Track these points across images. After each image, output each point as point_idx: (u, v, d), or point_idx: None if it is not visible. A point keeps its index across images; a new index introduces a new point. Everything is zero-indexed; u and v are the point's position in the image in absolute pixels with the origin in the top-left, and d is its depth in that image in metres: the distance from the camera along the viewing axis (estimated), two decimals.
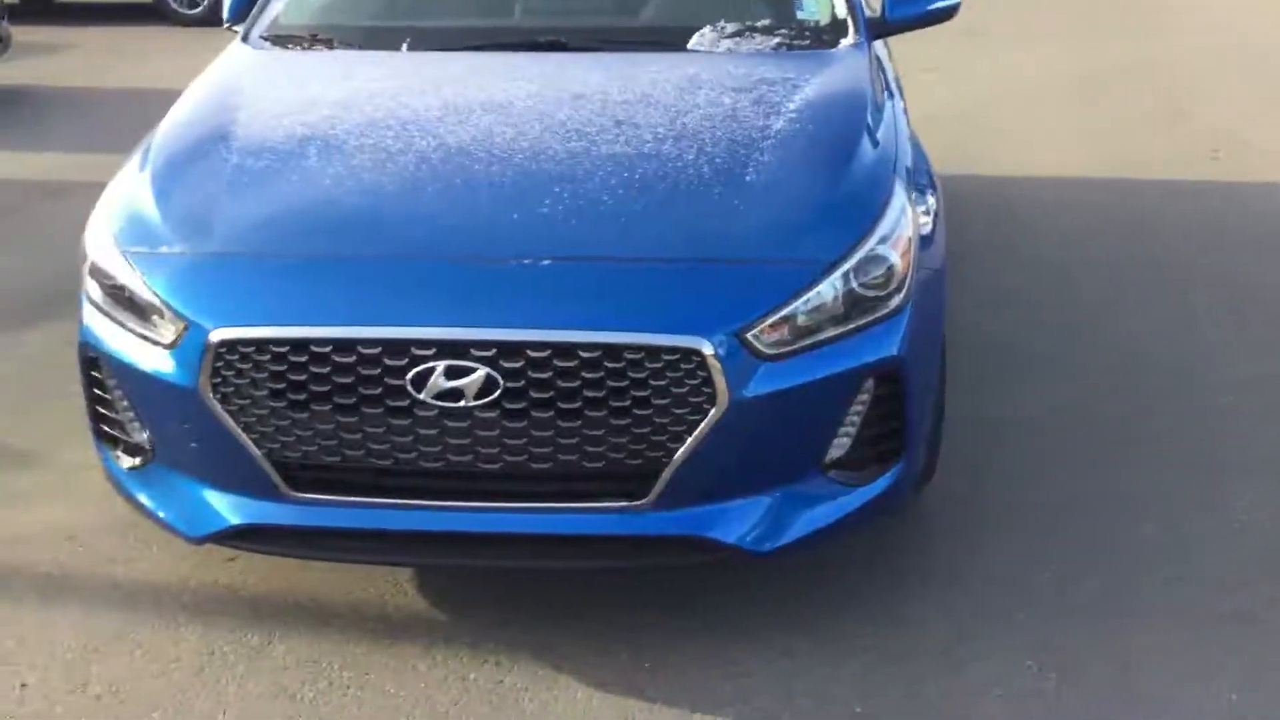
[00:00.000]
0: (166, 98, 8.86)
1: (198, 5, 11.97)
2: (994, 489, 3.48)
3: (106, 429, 2.99)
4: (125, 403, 2.88)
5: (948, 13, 3.91)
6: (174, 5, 11.96)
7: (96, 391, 2.96)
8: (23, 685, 2.79)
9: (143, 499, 2.92)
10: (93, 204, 6.02)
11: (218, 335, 2.62)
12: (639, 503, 2.66)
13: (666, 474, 2.62)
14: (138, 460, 2.92)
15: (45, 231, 5.80)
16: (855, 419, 2.76)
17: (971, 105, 7.78)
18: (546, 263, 2.66)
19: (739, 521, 2.71)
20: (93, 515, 3.43)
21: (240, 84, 3.56)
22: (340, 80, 3.51)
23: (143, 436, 2.89)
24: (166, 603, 3.06)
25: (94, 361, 2.92)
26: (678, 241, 2.74)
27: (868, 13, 3.81)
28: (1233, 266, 5.13)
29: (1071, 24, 10.13)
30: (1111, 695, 2.71)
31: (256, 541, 2.81)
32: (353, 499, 2.72)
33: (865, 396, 2.75)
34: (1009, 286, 4.90)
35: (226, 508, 2.78)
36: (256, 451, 2.67)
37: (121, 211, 2.96)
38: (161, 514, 2.88)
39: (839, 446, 2.77)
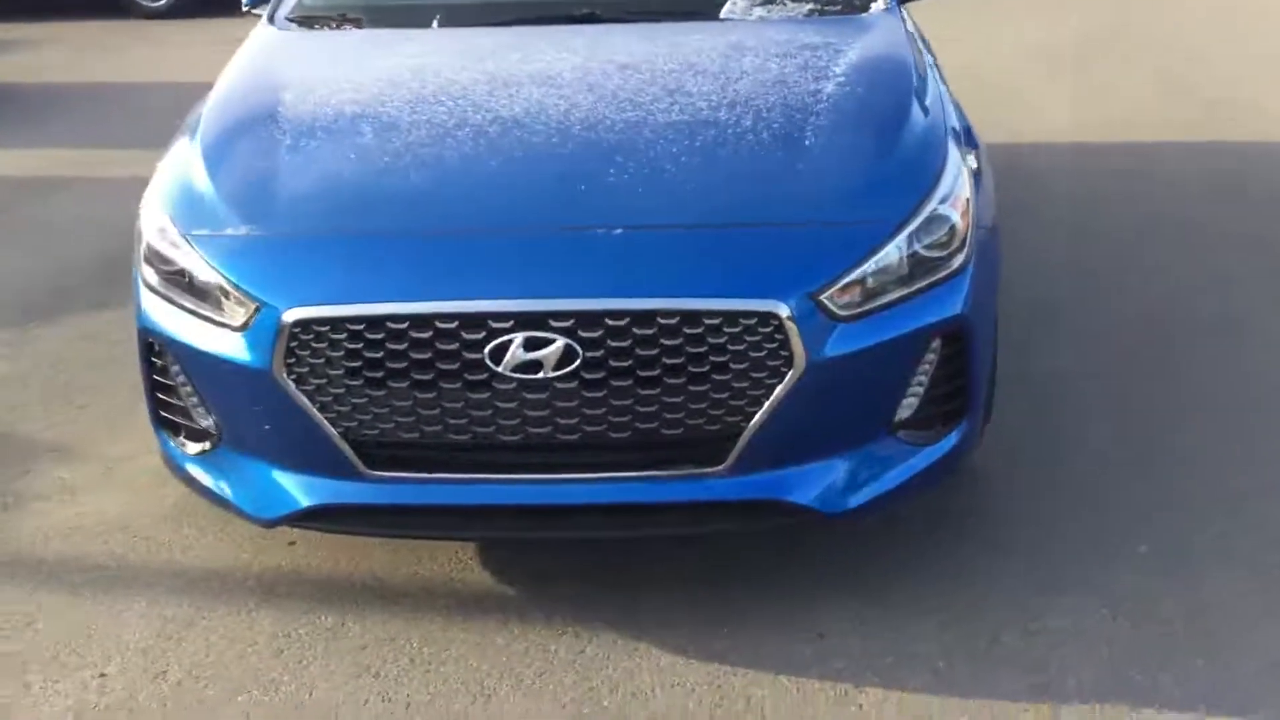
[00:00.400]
0: (145, 91, 8.79)
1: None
2: (1040, 445, 3.52)
3: (167, 415, 2.97)
4: (189, 388, 2.86)
5: None
6: None
7: (157, 378, 2.94)
8: (101, 675, 2.77)
9: (209, 484, 2.90)
10: (83, 199, 6.10)
11: (292, 315, 2.61)
12: (716, 468, 2.68)
13: (744, 439, 2.64)
14: (203, 446, 2.91)
15: (39, 228, 5.73)
16: (923, 379, 2.79)
17: (981, 70, 7.74)
18: (619, 231, 2.66)
19: (814, 484, 2.73)
20: (143, 505, 3.41)
21: (279, 65, 3.55)
22: (381, 58, 3.50)
23: (208, 421, 2.87)
24: (233, 588, 3.05)
25: (154, 348, 2.90)
26: (746, 206, 2.76)
27: None
28: (1262, 226, 5.19)
29: None
30: (1185, 637, 2.76)
31: (331, 522, 2.81)
32: (429, 475, 2.72)
33: (932, 356, 2.78)
34: (1045, 252, 4.89)
35: (299, 489, 2.77)
36: (332, 431, 2.67)
37: (178, 196, 2.94)
38: (230, 498, 2.87)
39: (907, 407, 2.80)
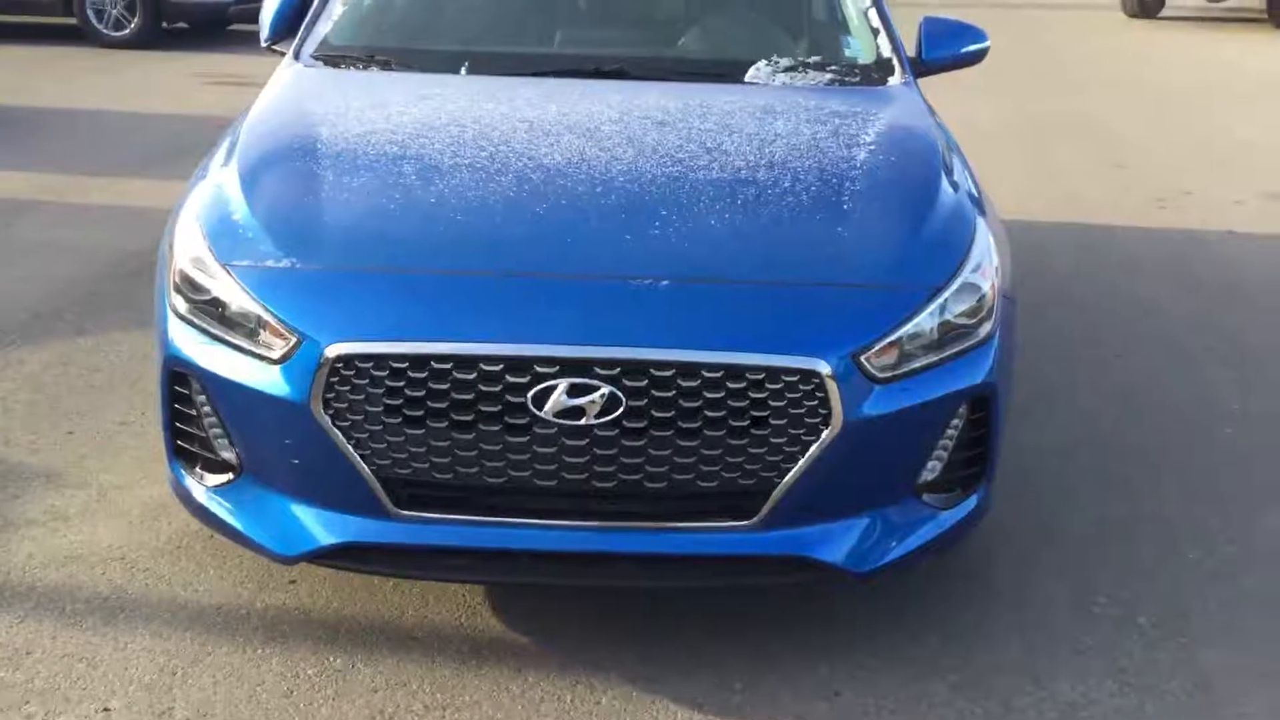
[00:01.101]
0: (110, 118, 8.73)
1: (124, 28, 11.77)
2: (1034, 514, 3.58)
3: (185, 446, 2.92)
4: (214, 419, 2.82)
5: (979, 55, 4.07)
6: (99, 27, 11.75)
7: (178, 408, 2.89)
8: (105, 710, 2.70)
9: (227, 518, 2.85)
10: (54, 222, 6.03)
11: (334, 350, 2.59)
12: (747, 522, 2.70)
13: (777, 494, 2.67)
14: (223, 478, 2.87)
15: (9, 251, 5.63)
16: (947, 443, 2.84)
17: None
18: (666, 283, 2.69)
19: (840, 542, 2.76)
20: (139, 536, 3.34)
21: (312, 101, 3.55)
22: (415, 100, 3.51)
23: (229, 454, 2.83)
24: (237, 625, 2.99)
25: (180, 377, 2.85)
26: (790, 265, 2.81)
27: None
28: (1213, 308, 5.36)
29: (1007, 81, 10.50)
30: (1194, 710, 2.81)
31: (355, 561, 2.77)
32: (460, 517, 2.70)
33: (958, 421, 2.84)
34: None
35: (323, 526, 2.74)
36: (366, 469, 2.64)
37: (216, 225, 2.91)
38: (249, 534, 2.82)
39: (930, 470, 2.85)
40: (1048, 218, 6.63)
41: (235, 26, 12.41)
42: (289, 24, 3.99)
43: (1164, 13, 16.35)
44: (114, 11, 11.72)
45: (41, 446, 3.82)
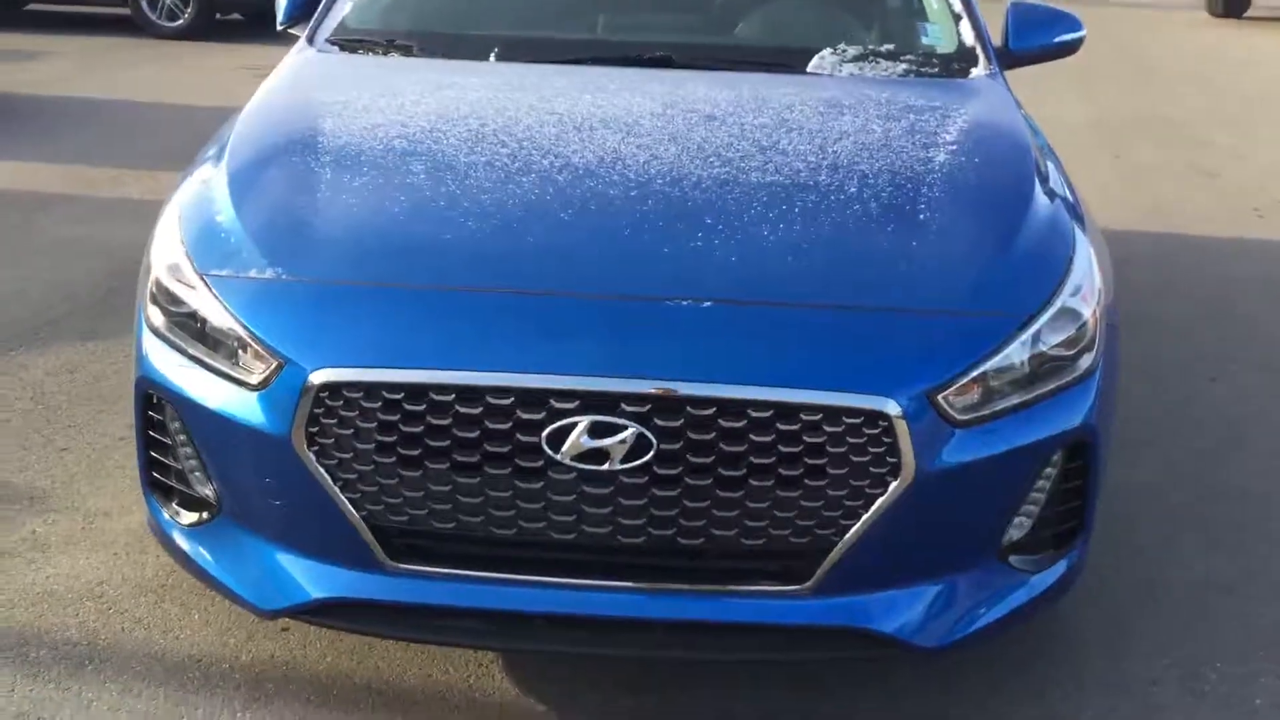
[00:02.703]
0: (154, 109, 8.46)
1: (177, 19, 11.58)
2: (1130, 570, 3.14)
3: (160, 478, 2.57)
4: (189, 449, 2.47)
5: (1073, 46, 3.63)
6: (152, 17, 11.56)
7: (153, 435, 2.54)
8: None
9: (202, 563, 2.50)
10: (80, 218, 5.71)
11: (320, 377, 2.22)
12: (798, 587, 2.29)
13: (834, 555, 2.26)
14: (199, 516, 2.51)
15: (32, 247, 5.35)
16: (1039, 495, 2.42)
17: None
18: (708, 305, 2.29)
19: (908, 612, 2.35)
20: (120, 569, 3.01)
21: (319, 91, 3.17)
22: (434, 90, 3.12)
23: (207, 490, 2.48)
24: (217, 681, 2.64)
25: (154, 400, 2.50)
26: (854, 287, 2.39)
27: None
28: None
29: (1087, 82, 9.99)
30: None
31: (344, 619, 2.39)
32: (464, 573, 2.31)
33: (1052, 470, 2.41)
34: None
35: (309, 578, 2.37)
36: (354, 514, 2.27)
37: (197, 230, 2.55)
38: (226, 582, 2.46)
39: (1019, 527, 2.43)
40: (1135, 228, 6.14)
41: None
42: (306, 5, 3.62)
43: (1250, 12, 15.65)
44: (168, 2, 11.53)
45: (31, 464, 3.51)
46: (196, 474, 2.48)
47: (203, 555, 2.50)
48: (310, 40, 3.46)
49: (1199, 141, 8.27)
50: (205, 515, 2.50)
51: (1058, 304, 2.41)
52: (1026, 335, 2.35)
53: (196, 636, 2.78)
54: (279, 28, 3.67)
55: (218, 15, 11.85)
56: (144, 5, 11.56)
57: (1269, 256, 5.81)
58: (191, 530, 2.52)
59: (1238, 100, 9.91)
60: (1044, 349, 2.37)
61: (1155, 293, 5.20)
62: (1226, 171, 7.44)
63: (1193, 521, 3.40)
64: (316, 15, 3.52)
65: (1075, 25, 3.63)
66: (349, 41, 3.46)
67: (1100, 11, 15.43)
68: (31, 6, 11.95)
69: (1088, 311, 2.46)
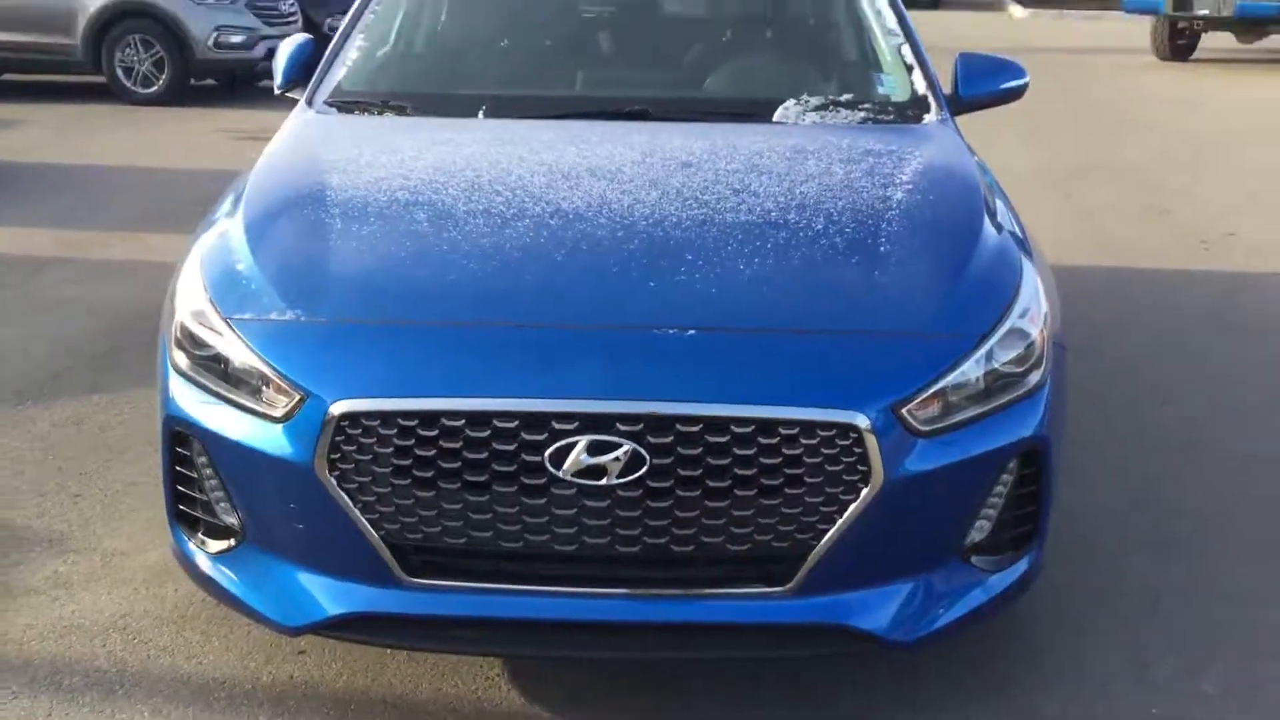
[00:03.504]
0: (134, 174, 8.64)
1: (152, 85, 11.80)
2: (1086, 578, 3.37)
3: (186, 510, 2.77)
4: (215, 481, 2.67)
5: (1018, 92, 3.91)
6: (127, 84, 11.78)
7: (179, 469, 2.74)
8: None
9: (229, 586, 2.69)
10: (74, 278, 5.92)
11: (340, 408, 2.44)
12: (781, 588, 2.51)
13: (813, 558, 2.48)
14: (225, 544, 2.71)
15: (27, 307, 5.53)
16: (997, 500, 2.65)
17: None
18: (692, 333, 2.52)
19: (882, 610, 2.57)
20: (141, 604, 3.19)
21: (323, 149, 3.41)
22: (430, 145, 3.37)
23: (232, 518, 2.68)
24: (241, 700, 2.82)
25: (180, 437, 2.70)
26: (823, 312, 2.64)
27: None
28: (1261, 353, 5.14)
29: (1041, 125, 10.35)
30: None
31: (363, 632, 2.60)
32: (474, 585, 2.52)
33: (1008, 477, 2.65)
34: None
35: (329, 595, 2.57)
36: (373, 534, 2.48)
37: (219, 278, 2.77)
38: (251, 602, 2.65)
39: (979, 530, 2.66)
40: (1089, 262, 6.44)
41: (263, 82, 12.40)
42: (303, 70, 3.87)
43: (1196, 55, 16.17)
44: (142, 69, 11.75)
45: (47, 509, 3.68)
46: (222, 504, 2.68)
47: (228, 579, 2.69)
48: (309, 103, 3.70)
49: (1149, 181, 8.62)
50: (231, 542, 2.69)
51: (1007, 325, 2.66)
52: (980, 353, 2.59)
53: (219, 661, 2.96)
54: (277, 92, 3.90)
55: (192, 80, 12.08)
56: (119, 72, 11.78)
57: (1215, 287, 6.10)
58: (217, 557, 2.71)
59: (1186, 141, 10.29)
60: (996, 366, 2.61)
61: (1108, 324, 5.47)
62: (1176, 209, 7.77)
63: (1145, 537, 3.62)
64: (314, 79, 3.76)
65: (1019, 73, 3.92)
66: (345, 103, 3.71)
67: (1051, 57, 15.90)
68: (6, 76, 12.15)
69: (1035, 332, 2.71)
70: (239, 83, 12.56)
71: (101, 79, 11.75)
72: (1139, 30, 16.83)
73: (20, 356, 4.90)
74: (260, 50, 12.09)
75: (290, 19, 12.76)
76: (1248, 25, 15.65)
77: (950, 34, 18.36)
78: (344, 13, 15.38)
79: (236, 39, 12.04)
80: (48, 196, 7.73)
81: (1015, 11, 24.11)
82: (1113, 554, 3.50)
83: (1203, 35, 16.18)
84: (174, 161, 8.91)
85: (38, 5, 11.66)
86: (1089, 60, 16.21)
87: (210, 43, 11.87)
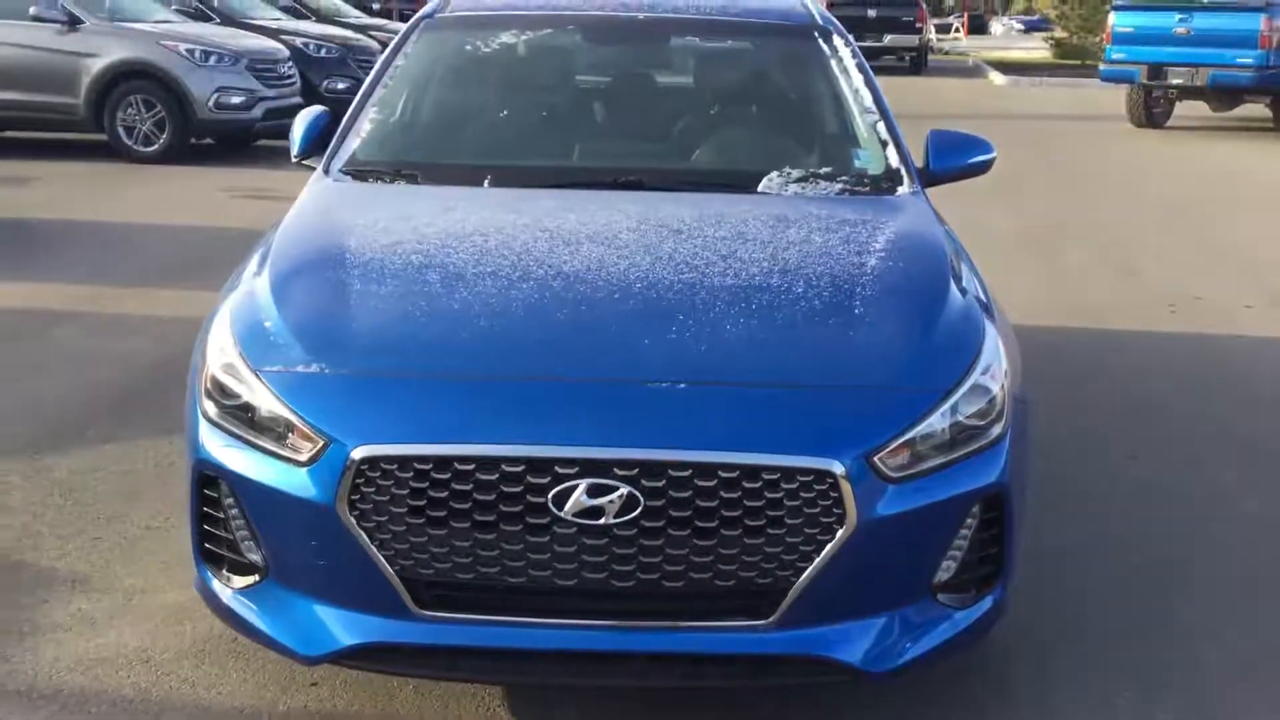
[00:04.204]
0: (142, 231, 8.85)
1: (153, 144, 12.07)
2: (1054, 617, 3.59)
3: (212, 548, 2.99)
4: (241, 521, 2.89)
5: (985, 166, 4.20)
6: (128, 143, 12.04)
7: (207, 510, 2.96)
8: None
9: (252, 619, 2.90)
10: (88, 333, 6.14)
11: (361, 452, 2.67)
12: (763, 621, 2.74)
13: (793, 593, 2.71)
14: (249, 580, 2.92)
15: (42, 360, 5.75)
16: (962, 543, 2.88)
17: None
18: (683, 386, 2.77)
19: (857, 643, 2.79)
20: (163, 639, 3.38)
21: (341, 213, 3.68)
22: (440, 212, 3.64)
23: (256, 556, 2.89)
24: None
25: (209, 480, 2.92)
26: (803, 368, 2.89)
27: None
28: (1225, 412, 5.39)
29: (1018, 191, 10.67)
30: None
31: (377, 661, 2.82)
32: (481, 617, 2.74)
33: (972, 521, 2.88)
34: None
35: (346, 627, 2.78)
36: (389, 569, 2.70)
37: (247, 333, 3.01)
38: (273, 634, 2.86)
39: (946, 570, 2.88)
40: (1061, 323, 6.71)
41: (261, 142, 12.72)
42: (319, 140, 4.14)
43: (1171, 122, 16.62)
44: (143, 128, 12.03)
45: (69, 551, 3.89)
46: (247, 542, 2.90)
47: (251, 612, 2.91)
48: (326, 171, 3.97)
49: (1121, 244, 8.93)
50: (255, 578, 2.91)
51: (970, 381, 2.91)
52: (945, 407, 2.84)
53: (237, 691, 3.16)
54: (294, 159, 4.17)
55: (192, 140, 12.37)
56: (120, 132, 12.05)
57: (1181, 349, 6.37)
58: (241, 592, 2.93)
59: (1159, 206, 10.64)
60: (960, 418, 2.86)
61: (1079, 381, 5.73)
62: (1146, 271, 8.07)
63: (1110, 579, 3.86)
64: (330, 149, 4.03)
65: (987, 149, 4.21)
66: (360, 171, 3.97)
67: (1031, 124, 16.36)
68: (6, 134, 12.41)
69: (996, 387, 2.96)
70: (239, 143, 12.85)
71: (103, 137, 12.02)
72: (1115, 98, 17.29)
73: (38, 407, 5.11)
74: (259, 111, 12.42)
75: (289, 81, 13.10)
76: (1220, 95, 16.12)
77: (936, 101, 18.88)
78: (341, 75, 15.63)
79: (236, 100, 12.33)
80: (61, 252, 7.97)
81: (996, 79, 24.65)
82: (1076, 590, 3.73)
83: (1177, 104, 16.64)
84: (179, 219, 9.16)
85: (43, 65, 11.95)
86: (1067, 127, 16.65)
87: (211, 104, 12.15)
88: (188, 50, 12.19)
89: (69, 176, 10.95)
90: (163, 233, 8.71)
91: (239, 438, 2.86)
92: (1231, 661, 3.40)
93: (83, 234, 8.54)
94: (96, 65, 11.95)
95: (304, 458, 2.74)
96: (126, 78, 12.02)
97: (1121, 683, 3.27)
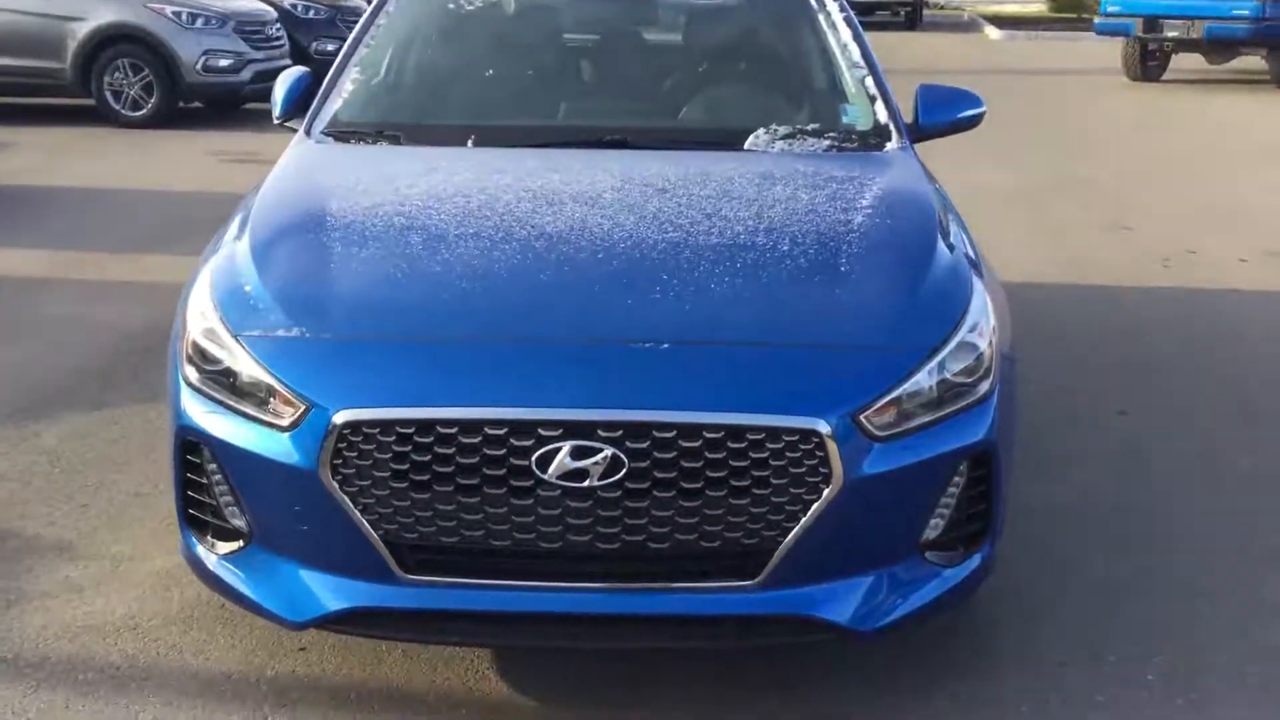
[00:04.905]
0: (127, 196, 8.79)
1: (141, 108, 11.98)
2: (1043, 573, 3.59)
3: (196, 514, 2.97)
4: (224, 487, 2.87)
5: (975, 120, 4.15)
6: (116, 107, 11.95)
7: (190, 476, 2.94)
8: None
9: (238, 585, 2.89)
10: (74, 299, 6.11)
11: (342, 417, 2.64)
12: (750, 582, 2.72)
13: (779, 553, 2.69)
14: (233, 546, 2.91)
15: (29, 326, 5.72)
16: (949, 501, 2.87)
17: None
18: (666, 346, 2.75)
19: (844, 602, 2.78)
20: (150, 606, 3.38)
21: (323, 175, 3.64)
22: (422, 173, 3.59)
23: (240, 521, 2.88)
24: (248, 693, 3.01)
25: (192, 446, 2.90)
26: (789, 327, 2.86)
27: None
28: (1218, 366, 5.38)
29: (1012, 147, 10.61)
30: None
31: (363, 626, 2.81)
32: (466, 580, 2.73)
33: (959, 479, 2.86)
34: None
35: (332, 591, 2.77)
36: (373, 533, 2.68)
37: (228, 298, 2.97)
38: (259, 600, 2.85)
39: (933, 528, 2.87)
40: (1055, 279, 6.68)
41: (250, 105, 12.62)
42: (301, 101, 4.09)
43: (1166, 76, 16.51)
44: (131, 92, 11.94)
45: (57, 519, 3.87)
46: (231, 508, 2.88)
47: (237, 578, 2.89)
48: (308, 132, 3.92)
49: (1115, 199, 8.89)
50: (239, 544, 2.89)
51: (958, 338, 2.89)
52: (932, 364, 2.82)
53: (225, 657, 3.15)
54: (276, 121, 4.12)
55: (180, 103, 12.27)
56: (108, 96, 11.96)
57: (1174, 304, 6.35)
58: (226, 558, 2.92)
59: (1153, 160, 10.58)
60: (948, 376, 2.84)
61: (1072, 337, 5.71)
62: (1140, 225, 8.03)
63: (1100, 534, 3.85)
64: (311, 110, 3.99)
65: (976, 103, 4.17)
66: (341, 132, 3.92)
67: (1026, 79, 16.25)
68: None
69: (984, 345, 2.94)
70: (227, 106, 12.75)
71: (90, 102, 11.94)
72: (1111, 52, 17.17)
73: (23, 374, 5.09)
74: (247, 74, 12.31)
75: (277, 43, 12.98)
76: (1217, 47, 16.00)
77: (930, 56, 18.75)
78: (330, 37, 15.45)
79: (224, 63, 12.23)
80: (45, 219, 7.92)
81: (991, 33, 24.48)
82: (1069, 550, 3.73)
83: (1173, 56, 16.53)
84: (165, 184, 9.10)
85: (28, 30, 11.84)
86: (1062, 81, 16.54)
87: (198, 66, 12.05)
88: (174, 13, 12.08)
89: (55, 141, 10.87)
90: (149, 197, 8.66)
91: (221, 403, 2.84)
92: (1223, 621, 3.40)
93: (68, 199, 8.48)
94: (82, 29, 11.85)
95: (286, 423, 2.71)
96: (113, 41, 11.91)
97: (1109, 638, 3.27)
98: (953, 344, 2.87)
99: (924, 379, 2.80)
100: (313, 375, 2.73)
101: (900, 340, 2.85)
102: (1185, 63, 16.85)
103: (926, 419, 2.79)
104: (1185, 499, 4.11)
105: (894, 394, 2.74)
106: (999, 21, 26.00)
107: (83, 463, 4.27)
